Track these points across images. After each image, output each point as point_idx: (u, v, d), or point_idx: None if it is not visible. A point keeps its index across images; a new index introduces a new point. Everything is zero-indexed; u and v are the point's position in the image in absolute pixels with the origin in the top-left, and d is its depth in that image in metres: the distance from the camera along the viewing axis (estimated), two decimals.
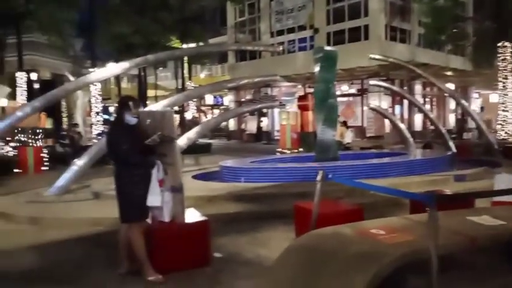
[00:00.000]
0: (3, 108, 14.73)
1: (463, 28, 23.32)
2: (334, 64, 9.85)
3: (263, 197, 6.94)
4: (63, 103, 22.48)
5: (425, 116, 16.00)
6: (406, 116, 25.06)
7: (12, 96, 17.02)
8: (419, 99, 24.17)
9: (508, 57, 17.99)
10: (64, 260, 4.64)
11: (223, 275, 4.01)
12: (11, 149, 12.82)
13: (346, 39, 24.06)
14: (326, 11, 25.32)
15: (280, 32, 28.23)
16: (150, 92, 29.24)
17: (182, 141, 8.92)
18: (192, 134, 9.58)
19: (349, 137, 13.62)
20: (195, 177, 8.72)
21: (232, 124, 31.83)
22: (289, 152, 14.49)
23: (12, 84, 18.60)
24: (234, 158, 11.83)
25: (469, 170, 9.23)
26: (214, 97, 34.68)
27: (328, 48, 10.59)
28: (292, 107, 18.40)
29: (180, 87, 25.03)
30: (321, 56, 9.76)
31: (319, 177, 4.17)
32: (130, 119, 3.97)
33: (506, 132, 17.94)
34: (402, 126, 13.27)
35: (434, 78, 14.83)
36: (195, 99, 26.95)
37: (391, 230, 3.41)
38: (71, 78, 17.52)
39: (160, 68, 36.59)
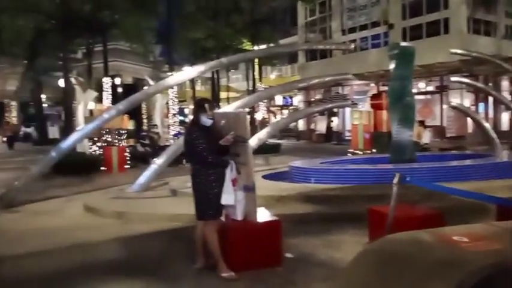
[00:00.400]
0: (91, 111, 16.03)
1: None
2: (411, 60, 9.41)
3: (333, 198, 6.82)
4: (143, 105, 23.91)
5: None
6: (491, 114, 23.14)
7: (98, 99, 18.48)
8: (506, 96, 22.20)
9: None
10: (145, 252, 4.95)
11: (297, 276, 4.01)
12: (97, 148, 13.92)
13: (424, 34, 22.86)
14: (401, 6, 24.27)
15: (352, 30, 27.58)
16: (223, 94, 30.12)
17: (253, 141, 9.05)
18: (262, 134, 9.72)
19: (427, 137, 12.92)
20: (264, 177, 8.81)
21: (301, 124, 31.69)
22: (361, 153, 14.08)
23: (98, 89, 20.23)
24: (303, 158, 11.77)
25: None
26: (284, 97, 34.74)
27: (404, 44, 10.13)
28: (365, 106, 17.87)
29: (250, 88, 25.48)
30: (396, 53, 9.39)
31: (396, 180, 4.01)
32: (206, 120, 4.13)
33: None
34: (487, 125, 12.27)
35: None
36: (265, 100, 27.24)
37: (476, 238, 3.17)
38: (151, 82, 18.59)
39: (232, 70, 37.50)
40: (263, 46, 24.72)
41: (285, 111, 35.65)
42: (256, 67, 27.21)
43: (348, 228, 5.49)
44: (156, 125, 17.89)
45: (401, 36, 23.56)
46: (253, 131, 13.48)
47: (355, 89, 28.81)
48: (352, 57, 25.47)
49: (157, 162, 8.46)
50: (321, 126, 30.69)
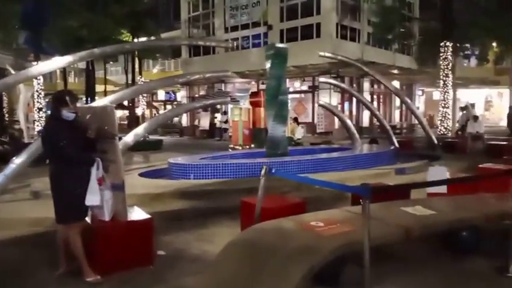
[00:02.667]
0: None
1: (410, 28, 24.37)
2: (285, 61, 10.00)
3: (211, 193, 6.92)
4: (5, 98, 21.19)
5: (372, 113, 16.60)
6: (354, 112, 25.88)
7: None
8: (367, 96, 24.99)
9: (449, 57, 19.00)
10: (2, 261, 4.40)
11: (168, 273, 3.97)
12: None
13: (299, 37, 24.45)
14: (280, 8, 25.56)
15: (235, 28, 28.21)
16: (99, 87, 28.24)
17: (129, 137, 8.68)
18: (139, 129, 9.34)
19: (299, 133, 13.88)
20: (141, 175, 8.53)
21: (184, 120, 31.45)
22: (241, 148, 14.53)
23: None
24: (185, 154, 11.68)
25: (409, 164, 9.72)
26: (167, 93, 34.09)
27: (279, 45, 10.73)
28: (246, 104, 18.43)
29: (130, 82, 24.37)
30: (272, 53, 9.90)
31: (262, 172, 4.23)
32: (68, 114, 3.81)
33: (445, 128, 18.98)
34: (349, 122, 13.71)
35: (381, 76, 15.38)
36: (145, 95, 26.32)
37: (330, 222, 3.53)
38: (13, 72, 16.54)
39: (111, 62, 35.42)
40: (144, 39, 23.83)
41: (168, 107, 35.01)
42: (137, 60, 26.14)
43: (224, 221, 5.62)
44: (18, 120, 16.00)
45: (279, 37, 24.83)
46: (134, 126, 12.89)
47: (237, 87, 29.53)
48: (234, 55, 26.08)
49: (17, 161, 7.55)
50: (204, 122, 30.84)
